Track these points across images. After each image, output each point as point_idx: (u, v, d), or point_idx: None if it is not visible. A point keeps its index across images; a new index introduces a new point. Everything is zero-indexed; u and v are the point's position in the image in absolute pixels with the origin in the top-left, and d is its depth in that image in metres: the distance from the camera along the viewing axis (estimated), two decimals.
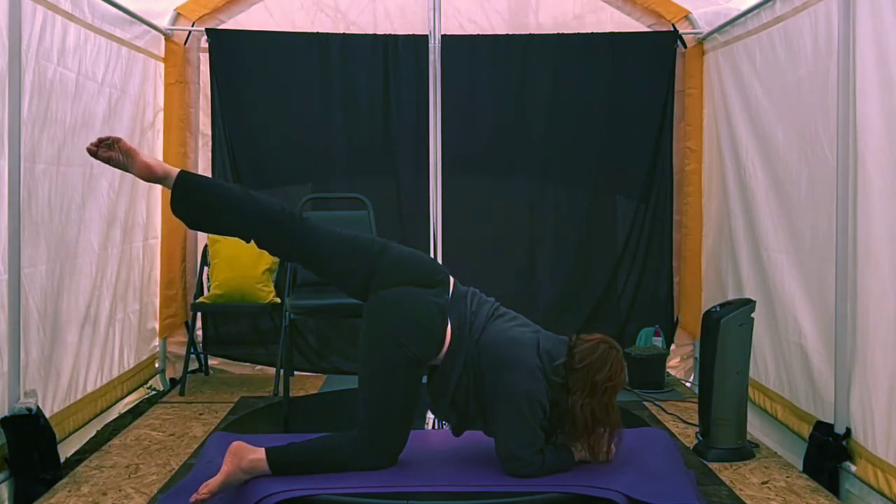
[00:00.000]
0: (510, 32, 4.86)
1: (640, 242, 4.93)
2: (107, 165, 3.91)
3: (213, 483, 2.64)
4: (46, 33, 3.33)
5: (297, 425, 3.68)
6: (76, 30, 3.61)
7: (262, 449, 2.71)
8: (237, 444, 2.73)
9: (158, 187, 4.69)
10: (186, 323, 4.79)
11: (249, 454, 2.69)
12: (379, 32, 4.83)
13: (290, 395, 4.00)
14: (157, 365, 4.72)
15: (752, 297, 3.70)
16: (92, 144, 2.69)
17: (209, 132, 4.86)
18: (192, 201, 2.73)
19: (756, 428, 3.78)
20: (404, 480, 2.70)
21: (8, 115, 2.97)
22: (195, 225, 2.94)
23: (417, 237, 4.78)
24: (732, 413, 3.40)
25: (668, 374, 4.79)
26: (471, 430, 2.88)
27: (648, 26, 4.89)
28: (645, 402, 4.27)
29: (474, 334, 2.78)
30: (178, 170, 2.74)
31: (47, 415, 3.17)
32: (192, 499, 2.61)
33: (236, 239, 4.51)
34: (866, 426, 2.97)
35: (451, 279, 2.88)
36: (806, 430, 3.32)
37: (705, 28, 4.70)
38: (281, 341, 4.32)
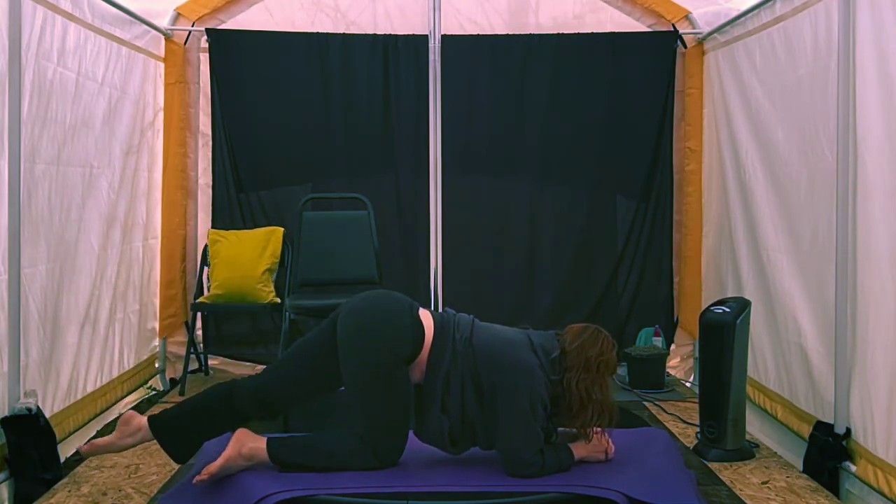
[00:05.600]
0: (510, 32, 4.86)
1: (640, 242, 4.93)
2: (107, 165, 3.97)
3: (213, 466, 2.68)
4: (46, 33, 3.33)
5: (297, 425, 3.68)
6: (76, 30, 3.61)
7: (264, 438, 2.76)
8: (241, 431, 2.78)
9: (158, 188, 4.71)
10: (186, 323, 4.79)
11: (251, 441, 2.75)
12: (379, 32, 4.83)
13: None
14: (157, 365, 4.72)
15: (753, 297, 3.71)
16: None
17: (209, 132, 4.86)
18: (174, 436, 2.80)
19: (756, 428, 3.79)
20: (404, 480, 2.70)
21: (8, 115, 2.97)
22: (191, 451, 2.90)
23: (417, 237, 4.78)
24: (739, 413, 3.41)
25: (668, 374, 4.79)
26: (467, 445, 2.83)
27: (648, 26, 4.89)
28: (645, 402, 4.27)
29: (463, 332, 2.79)
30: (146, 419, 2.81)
31: (47, 415, 3.18)
32: (194, 480, 2.68)
33: (236, 239, 4.61)
34: (866, 426, 2.97)
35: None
36: (806, 430, 3.32)
37: (705, 28, 4.70)
38: (281, 341, 4.33)
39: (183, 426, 2.81)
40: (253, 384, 2.85)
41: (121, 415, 2.93)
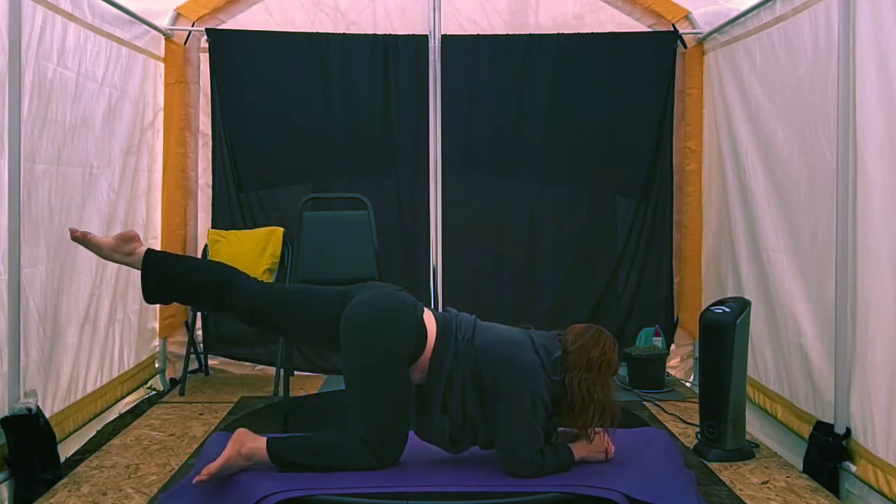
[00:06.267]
0: (510, 32, 4.86)
1: (640, 242, 4.93)
2: (107, 165, 3.97)
3: (213, 466, 2.68)
4: (46, 33, 3.33)
5: (297, 425, 3.68)
6: (76, 30, 3.61)
7: (264, 438, 2.76)
8: (241, 431, 2.79)
9: (158, 188, 4.71)
10: (186, 323, 4.79)
11: (251, 441, 2.75)
12: (379, 32, 4.83)
13: (290, 395, 4.00)
14: (157, 365, 4.72)
15: (753, 297, 3.71)
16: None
17: (209, 132, 4.86)
18: (158, 274, 2.82)
19: (756, 428, 3.79)
20: (404, 480, 2.70)
21: (8, 115, 2.97)
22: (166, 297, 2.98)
23: (417, 237, 4.78)
24: (739, 413, 3.41)
25: (668, 374, 4.79)
26: (467, 444, 2.83)
27: (648, 26, 4.89)
28: (645, 402, 4.27)
29: (465, 333, 2.79)
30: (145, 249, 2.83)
31: (47, 415, 3.18)
32: (194, 480, 2.68)
33: (236, 239, 4.61)
34: (866, 426, 2.97)
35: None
36: (806, 430, 3.32)
37: (705, 28, 4.70)
38: (281, 341, 4.33)
39: (171, 280, 2.84)
40: (255, 291, 2.85)
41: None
